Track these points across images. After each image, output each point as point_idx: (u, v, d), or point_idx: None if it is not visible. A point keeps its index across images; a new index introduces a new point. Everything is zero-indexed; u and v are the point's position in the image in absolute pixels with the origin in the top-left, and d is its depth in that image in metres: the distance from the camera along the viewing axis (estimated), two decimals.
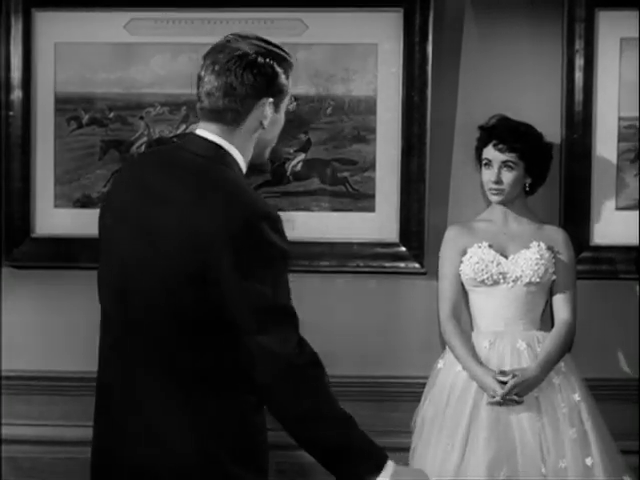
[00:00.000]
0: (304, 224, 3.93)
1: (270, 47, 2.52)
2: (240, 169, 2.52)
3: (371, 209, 3.95)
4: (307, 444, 2.49)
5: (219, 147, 2.49)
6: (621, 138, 3.88)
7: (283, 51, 2.55)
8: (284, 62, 2.53)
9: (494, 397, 3.50)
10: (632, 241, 3.88)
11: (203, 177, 2.45)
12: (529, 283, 3.63)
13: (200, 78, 2.50)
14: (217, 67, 2.47)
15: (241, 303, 2.39)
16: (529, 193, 3.70)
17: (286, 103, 2.57)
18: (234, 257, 2.36)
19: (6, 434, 3.99)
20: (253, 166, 3.85)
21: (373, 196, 3.95)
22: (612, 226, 3.90)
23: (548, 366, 3.57)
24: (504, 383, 3.51)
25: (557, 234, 3.71)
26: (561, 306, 3.68)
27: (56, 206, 4.00)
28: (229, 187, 2.43)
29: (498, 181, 3.64)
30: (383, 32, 3.92)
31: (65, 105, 3.97)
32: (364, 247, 3.95)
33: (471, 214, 3.80)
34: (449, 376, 3.65)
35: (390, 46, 3.92)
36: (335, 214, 3.95)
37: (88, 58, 3.95)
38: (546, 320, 3.72)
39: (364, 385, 3.94)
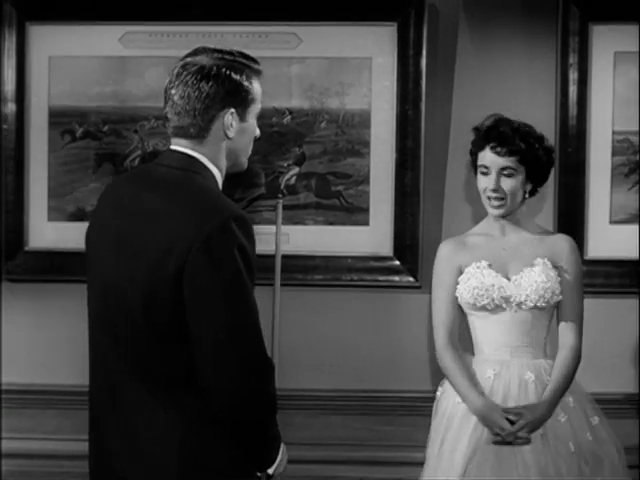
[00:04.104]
0: (298, 238, 3.92)
1: (230, 57, 2.55)
2: (214, 177, 2.56)
3: (365, 222, 3.95)
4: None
5: (191, 157, 2.54)
6: (615, 152, 3.88)
7: (248, 59, 2.57)
8: (246, 70, 2.55)
9: (500, 435, 3.23)
10: (626, 255, 3.89)
11: (174, 186, 2.50)
12: (534, 307, 3.34)
13: (166, 96, 2.55)
14: (177, 82, 2.53)
15: (207, 313, 2.41)
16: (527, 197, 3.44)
17: (255, 111, 2.59)
18: (209, 258, 2.39)
19: None
20: (246, 178, 3.88)
21: (367, 209, 3.94)
22: (606, 240, 3.90)
23: (556, 401, 3.30)
24: (510, 422, 3.24)
25: (562, 245, 3.41)
26: (567, 329, 3.40)
27: (50, 219, 3.99)
28: (201, 192, 2.48)
29: (497, 189, 3.33)
30: (377, 46, 3.92)
31: (59, 118, 3.97)
32: (358, 261, 3.94)
33: (465, 228, 3.79)
34: (447, 408, 3.39)
35: (384, 60, 3.92)
36: (329, 228, 3.95)
37: (82, 71, 3.95)
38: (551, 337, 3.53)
39: (358, 399, 3.94)
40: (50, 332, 4.00)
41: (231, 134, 2.55)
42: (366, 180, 3.94)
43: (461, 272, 3.41)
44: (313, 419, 3.93)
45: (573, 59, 3.85)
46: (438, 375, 3.86)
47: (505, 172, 3.33)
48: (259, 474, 2.61)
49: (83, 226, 3.84)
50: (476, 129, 3.43)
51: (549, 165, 3.41)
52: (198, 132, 2.54)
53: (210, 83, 2.51)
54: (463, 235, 3.51)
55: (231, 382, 2.42)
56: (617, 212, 3.89)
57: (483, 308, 3.35)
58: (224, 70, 2.52)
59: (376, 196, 3.94)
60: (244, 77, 2.54)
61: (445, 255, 3.44)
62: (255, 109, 2.59)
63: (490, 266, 3.37)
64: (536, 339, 3.38)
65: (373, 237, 3.95)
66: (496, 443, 3.26)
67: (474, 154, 3.42)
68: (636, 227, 3.88)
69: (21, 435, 4.01)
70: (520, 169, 3.33)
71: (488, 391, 3.32)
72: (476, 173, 3.42)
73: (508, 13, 3.91)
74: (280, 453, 2.60)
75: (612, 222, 3.90)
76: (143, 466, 2.49)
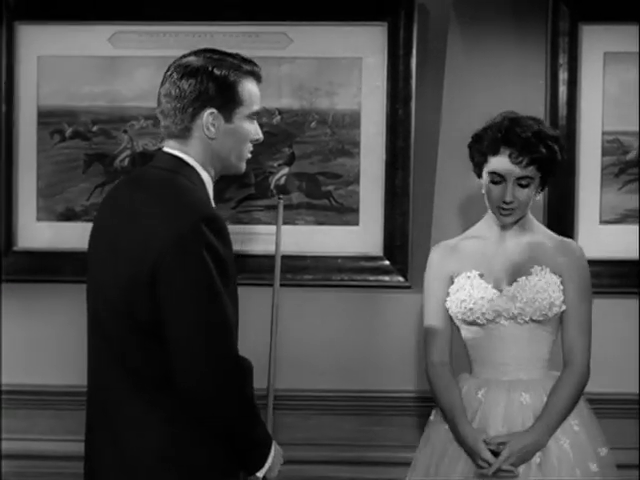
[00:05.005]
0: (288, 238, 3.91)
1: (218, 56, 2.54)
2: (200, 179, 2.55)
3: (355, 223, 3.94)
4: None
5: (178, 159, 2.54)
6: (605, 152, 3.89)
7: (240, 60, 2.56)
8: (233, 71, 2.53)
9: (483, 468, 2.97)
10: (616, 255, 3.88)
11: (158, 187, 2.52)
12: (531, 321, 3.06)
13: (157, 97, 2.58)
14: (165, 82, 2.56)
15: (176, 313, 2.42)
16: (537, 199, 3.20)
17: (244, 113, 2.56)
18: (178, 258, 2.40)
19: None
20: (235, 178, 3.87)
21: (357, 210, 3.94)
22: (596, 240, 3.89)
23: (553, 425, 2.98)
24: (494, 453, 2.97)
25: (567, 251, 3.15)
26: (572, 345, 3.09)
27: (39, 219, 3.98)
28: (178, 193, 2.49)
29: (513, 200, 3.05)
30: (367, 46, 3.92)
31: (48, 118, 3.96)
32: (348, 261, 3.94)
33: (456, 227, 3.79)
34: (440, 433, 3.14)
35: (374, 60, 3.92)
36: (319, 228, 3.94)
37: (71, 71, 3.93)
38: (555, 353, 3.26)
39: (347, 399, 3.93)
40: (40, 332, 3.98)
41: (211, 135, 2.54)
42: (356, 180, 3.94)
43: (452, 281, 3.18)
44: (303, 419, 3.93)
45: (563, 59, 3.85)
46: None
47: (523, 182, 3.06)
48: (250, 477, 2.61)
49: (72, 226, 3.93)
50: (486, 129, 3.15)
51: (561, 162, 3.17)
52: (181, 132, 2.54)
53: (190, 82, 2.50)
54: (457, 238, 3.31)
55: (200, 382, 2.42)
56: (607, 212, 3.89)
57: (474, 323, 3.11)
58: (208, 69, 2.51)
59: (366, 196, 3.93)
60: (230, 77, 2.53)
61: (435, 262, 3.24)
62: (244, 111, 2.56)
63: (482, 276, 3.12)
64: (535, 355, 3.10)
65: (363, 237, 3.94)
66: (480, 477, 3.01)
67: (484, 155, 3.12)
68: (626, 227, 3.88)
69: (11, 436, 3.99)
70: (537, 176, 3.08)
71: (479, 415, 3.06)
72: (480, 174, 3.17)
73: (498, 13, 3.91)
74: (270, 457, 2.59)
75: (602, 222, 3.90)
76: (126, 467, 2.50)
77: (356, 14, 3.89)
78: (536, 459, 2.99)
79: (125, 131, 3.95)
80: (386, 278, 3.94)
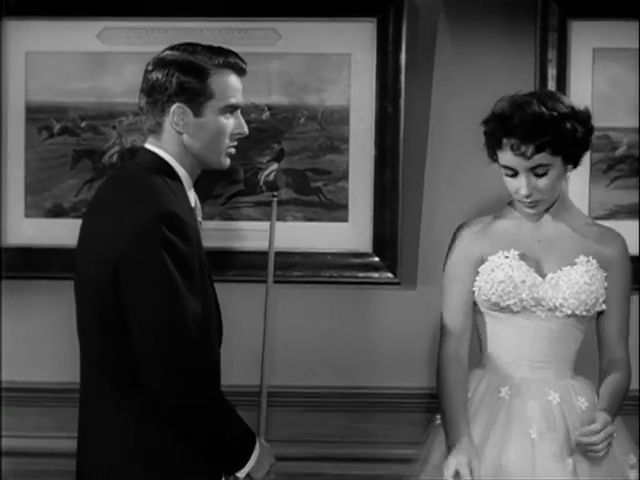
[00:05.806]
0: (277, 234, 3.89)
1: (190, 49, 2.53)
2: (175, 175, 2.54)
3: (344, 219, 3.94)
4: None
5: (155, 155, 2.54)
6: (593, 149, 3.87)
7: (213, 52, 2.53)
8: (203, 64, 2.50)
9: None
10: None
11: (126, 184, 2.52)
12: (571, 315, 2.78)
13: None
14: (143, 78, 2.58)
15: (135, 311, 2.41)
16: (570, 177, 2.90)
17: (217, 106, 2.53)
18: (136, 256, 2.40)
19: None
20: (224, 175, 3.86)
21: (346, 206, 3.94)
22: None
23: (612, 417, 2.69)
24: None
25: (613, 243, 2.87)
26: (616, 344, 2.83)
27: (27, 216, 3.97)
28: (142, 190, 2.48)
29: (531, 193, 2.73)
30: (356, 42, 3.91)
31: (36, 114, 3.94)
32: (337, 257, 3.93)
33: (445, 225, 3.77)
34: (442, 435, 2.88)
35: (363, 56, 3.91)
36: (308, 224, 3.94)
37: (60, 67, 3.92)
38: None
39: (338, 395, 3.93)
40: (28, 329, 3.97)
41: (180, 129, 2.52)
42: (345, 177, 3.93)
43: (482, 262, 2.85)
44: (292, 416, 3.92)
45: (552, 55, 3.86)
46: (418, 372, 3.86)
47: (538, 171, 2.74)
48: (230, 477, 2.60)
49: (61, 222, 3.92)
50: (488, 122, 2.85)
51: (589, 135, 2.83)
52: (154, 127, 2.55)
53: (157, 76, 2.51)
54: (486, 218, 2.97)
55: (161, 380, 2.42)
56: (596, 208, 3.90)
57: (507, 309, 2.79)
58: (177, 62, 2.51)
59: (355, 193, 3.93)
60: (198, 70, 2.51)
61: (464, 242, 2.89)
62: (217, 104, 2.53)
63: (522, 257, 2.79)
64: (563, 354, 2.85)
65: (352, 234, 3.94)
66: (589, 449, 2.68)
67: (492, 148, 2.83)
68: (616, 223, 3.86)
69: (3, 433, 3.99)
70: (555, 160, 2.74)
71: (501, 414, 2.78)
72: (494, 154, 2.85)
73: (487, 9, 3.91)
74: (253, 457, 2.56)
75: (591, 218, 3.89)
76: (102, 466, 2.50)
77: (345, 10, 3.89)
78: (568, 466, 2.74)
79: (114, 127, 3.94)
80: (375, 275, 3.93)
